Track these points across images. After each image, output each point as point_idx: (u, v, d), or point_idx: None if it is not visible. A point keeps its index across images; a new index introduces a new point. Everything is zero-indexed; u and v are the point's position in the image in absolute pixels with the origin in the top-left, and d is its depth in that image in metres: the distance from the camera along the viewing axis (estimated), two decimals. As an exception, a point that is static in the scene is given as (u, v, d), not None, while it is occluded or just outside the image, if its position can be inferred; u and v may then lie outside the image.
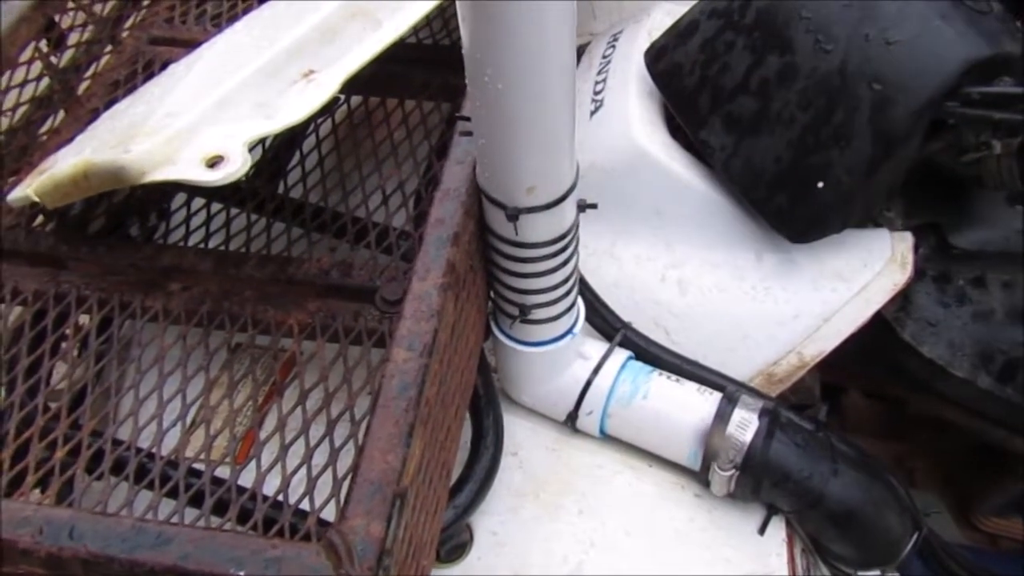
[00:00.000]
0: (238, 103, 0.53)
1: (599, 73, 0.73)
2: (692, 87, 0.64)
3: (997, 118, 0.55)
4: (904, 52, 0.56)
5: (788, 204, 0.61)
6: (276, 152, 0.73)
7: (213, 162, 0.47)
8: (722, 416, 0.57)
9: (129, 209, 0.67)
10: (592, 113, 0.70)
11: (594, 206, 0.53)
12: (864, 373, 0.78)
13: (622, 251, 0.68)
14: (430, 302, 0.44)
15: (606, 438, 0.62)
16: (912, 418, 0.92)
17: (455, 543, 0.54)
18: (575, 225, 0.51)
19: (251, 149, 0.50)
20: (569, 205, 0.49)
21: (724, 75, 0.62)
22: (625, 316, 0.65)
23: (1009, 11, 0.58)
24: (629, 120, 0.67)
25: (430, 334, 0.43)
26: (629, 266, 0.67)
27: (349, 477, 0.39)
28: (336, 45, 0.58)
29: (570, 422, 0.61)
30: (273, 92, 0.55)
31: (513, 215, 0.48)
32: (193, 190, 0.67)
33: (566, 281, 0.54)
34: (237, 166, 0.47)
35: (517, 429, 0.62)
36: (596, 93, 0.71)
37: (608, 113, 0.69)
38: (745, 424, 0.57)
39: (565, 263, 0.52)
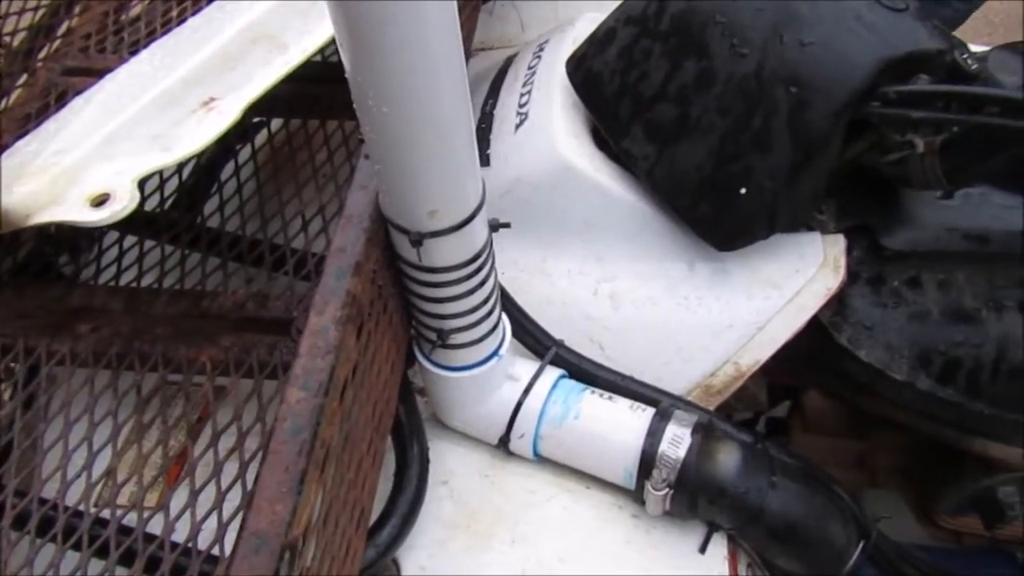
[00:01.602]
0: (132, 136, 0.51)
1: (524, 85, 0.71)
2: (612, 96, 0.62)
3: (915, 117, 0.54)
4: (819, 54, 0.55)
5: (712, 212, 0.59)
6: (195, 180, 0.71)
7: (99, 201, 0.45)
8: (654, 433, 0.56)
9: (41, 247, 0.64)
10: (517, 127, 0.68)
11: (507, 225, 0.51)
12: (811, 378, 0.76)
13: (553, 267, 0.66)
14: (327, 337, 0.42)
15: (541, 460, 0.60)
16: (873, 417, 0.91)
17: (382, 581, 0.52)
18: (487, 246, 0.50)
19: (144, 183, 0.48)
20: (477, 227, 0.48)
21: (643, 83, 0.61)
22: (558, 333, 0.64)
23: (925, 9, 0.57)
24: (553, 133, 0.65)
25: (326, 372, 0.41)
26: (561, 282, 0.66)
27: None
28: (238, 71, 0.56)
29: (503, 446, 0.59)
30: (170, 122, 0.53)
31: (417, 240, 0.46)
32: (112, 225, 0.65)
33: (484, 303, 0.52)
34: (124, 204, 0.45)
35: (448, 455, 0.60)
36: (521, 106, 0.70)
37: (533, 126, 0.67)
38: (678, 440, 0.55)
39: (480, 285, 0.51)
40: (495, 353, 0.57)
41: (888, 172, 0.60)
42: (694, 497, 0.55)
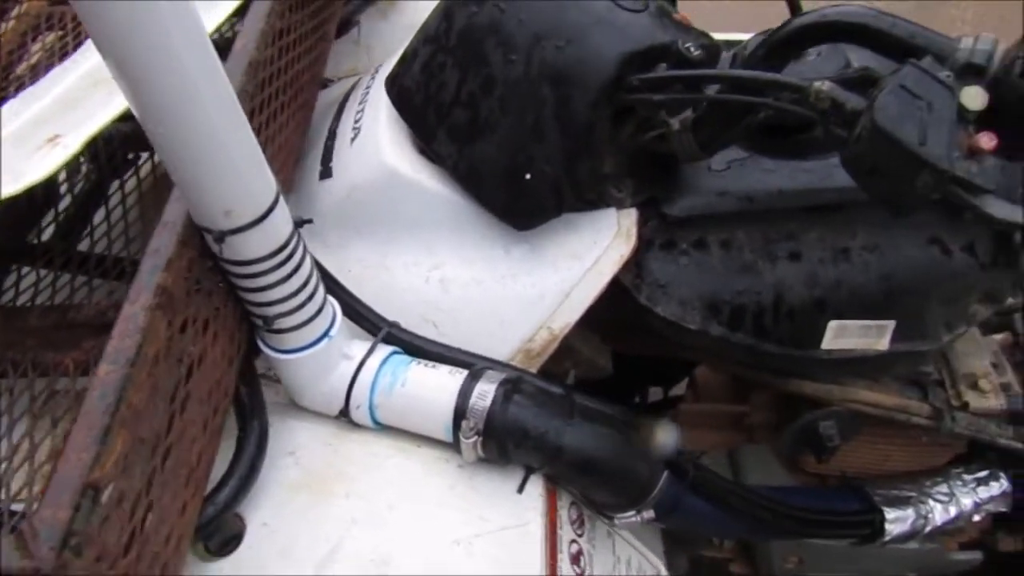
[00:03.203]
0: (-14, 172, 0.59)
1: (359, 104, 0.81)
2: (419, 106, 0.72)
3: (656, 99, 0.64)
4: (572, 53, 0.64)
5: (507, 198, 0.69)
6: (76, 210, 0.80)
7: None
8: (466, 390, 0.64)
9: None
10: (352, 140, 0.78)
11: (309, 221, 0.60)
12: (635, 340, 0.85)
13: (392, 261, 0.75)
14: (136, 322, 0.50)
15: (382, 428, 0.69)
16: (750, 382, 1.00)
17: (226, 536, 0.60)
18: (292, 239, 0.58)
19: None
20: (275, 223, 0.56)
21: (441, 92, 0.70)
22: (399, 317, 0.72)
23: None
24: (379, 143, 0.74)
25: (134, 349, 0.49)
26: (398, 273, 0.74)
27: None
28: (80, 111, 0.64)
29: (345, 417, 0.68)
30: (19, 158, 0.61)
31: (219, 238, 0.55)
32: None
33: (301, 290, 0.61)
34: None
35: (298, 430, 0.68)
36: (356, 122, 0.79)
37: (363, 138, 0.76)
38: (485, 394, 0.64)
39: (293, 273, 0.59)
40: (325, 335, 0.65)
41: (660, 149, 0.70)
42: (502, 442, 0.63)
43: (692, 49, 0.63)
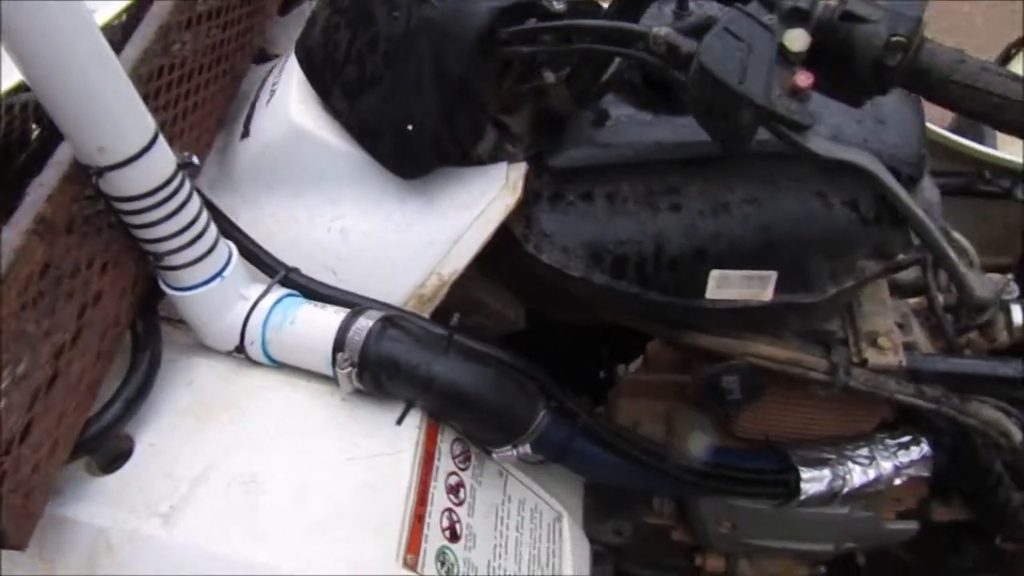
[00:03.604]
0: None
1: (280, 69, 0.86)
2: (319, 65, 0.76)
3: (524, 51, 0.67)
4: (447, 10, 0.68)
5: (393, 149, 0.73)
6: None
7: None
8: (346, 326, 0.69)
9: None
10: (268, 102, 0.82)
11: (192, 163, 0.65)
12: (531, 294, 0.88)
13: (299, 214, 0.79)
14: (12, 245, 0.56)
15: (278, 365, 0.73)
16: (692, 353, 1.02)
17: (113, 454, 0.65)
18: (173, 179, 0.63)
19: None
20: (153, 162, 0.61)
21: (336, 51, 0.74)
22: (303, 265, 0.77)
23: None
24: (288, 102, 0.79)
25: (6, 269, 0.54)
26: (304, 225, 0.79)
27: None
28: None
29: (241, 353, 0.72)
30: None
31: (97, 173, 0.60)
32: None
33: (188, 228, 0.65)
34: None
35: (200, 365, 0.73)
36: (274, 85, 0.84)
37: (276, 99, 0.81)
38: (362, 329, 0.68)
39: (175, 213, 0.64)
40: (219, 275, 0.70)
41: (540, 103, 0.73)
42: (376, 373, 0.67)
43: (555, 3, 0.66)
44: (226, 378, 0.72)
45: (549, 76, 0.70)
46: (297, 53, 0.80)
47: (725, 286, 0.77)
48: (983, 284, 0.66)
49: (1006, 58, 1.43)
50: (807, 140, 0.56)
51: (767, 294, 0.77)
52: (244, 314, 0.71)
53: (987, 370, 0.88)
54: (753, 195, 0.75)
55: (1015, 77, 0.58)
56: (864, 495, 1.03)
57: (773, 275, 0.76)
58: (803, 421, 1.00)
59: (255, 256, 0.75)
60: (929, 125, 1.05)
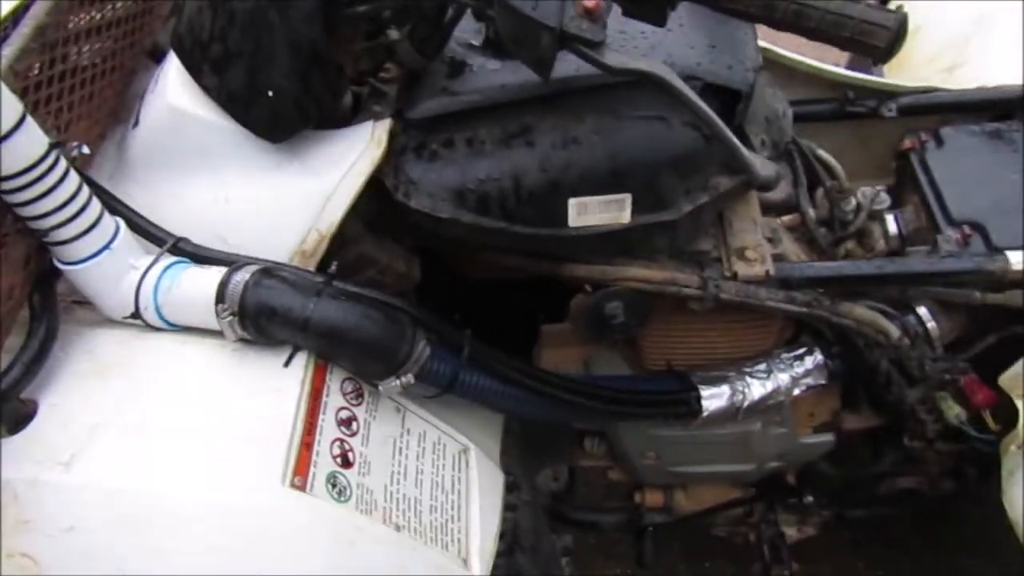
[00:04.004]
0: None
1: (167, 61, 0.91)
2: (189, 48, 0.82)
3: (363, 10, 0.73)
4: (290, -20, 0.74)
5: (258, 115, 0.78)
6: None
7: None
8: (226, 280, 0.74)
9: None
10: (152, 90, 0.88)
11: (60, 144, 0.70)
12: (416, 241, 0.94)
13: (189, 190, 0.84)
14: None
15: (175, 327, 0.79)
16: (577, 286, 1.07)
17: (18, 416, 0.70)
18: (44, 160, 0.68)
19: None
20: (19, 144, 0.66)
21: (201, 32, 0.80)
22: (194, 235, 0.82)
23: None
24: (167, 85, 0.84)
25: None
26: (194, 199, 0.84)
27: None
28: None
29: (139, 319, 0.78)
30: None
31: (-37, 154, 0.65)
32: None
33: (65, 206, 0.71)
34: None
35: (101, 335, 0.78)
36: (158, 75, 0.89)
37: (158, 86, 0.87)
38: (240, 281, 0.74)
39: (52, 189, 0.69)
40: (106, 247, 0.75)
41: (393, 60, 0.79)
42: (256, 320, 0.73)
43: (384, -36, 0.72)
44: (125, 343, 0.77)
45: (393, 33, 0.76)
46: (172, 42, 0.86)
47: (584, 213, 0.82)
48: (764, 165, 0.72)
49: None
50: (602, 55, 0.62)
51: (625, 216, 0.83)
52: (136, 282, 0.77)
53: (851, 271, 0.94)
54: (600, 126, 0.81)
55: None
56: (773, 410, 1.09)
57: (628, 197, 0.82)
58: (705, 346, 1.06)
59: (144, 230, 0.81)
60: (788, 52, 1.12)
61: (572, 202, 0.82)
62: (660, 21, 0.67)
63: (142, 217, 0.81)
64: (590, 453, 1.25)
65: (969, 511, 1.39)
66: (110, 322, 0.80)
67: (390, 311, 0.77)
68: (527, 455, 1.08)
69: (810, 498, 1.29)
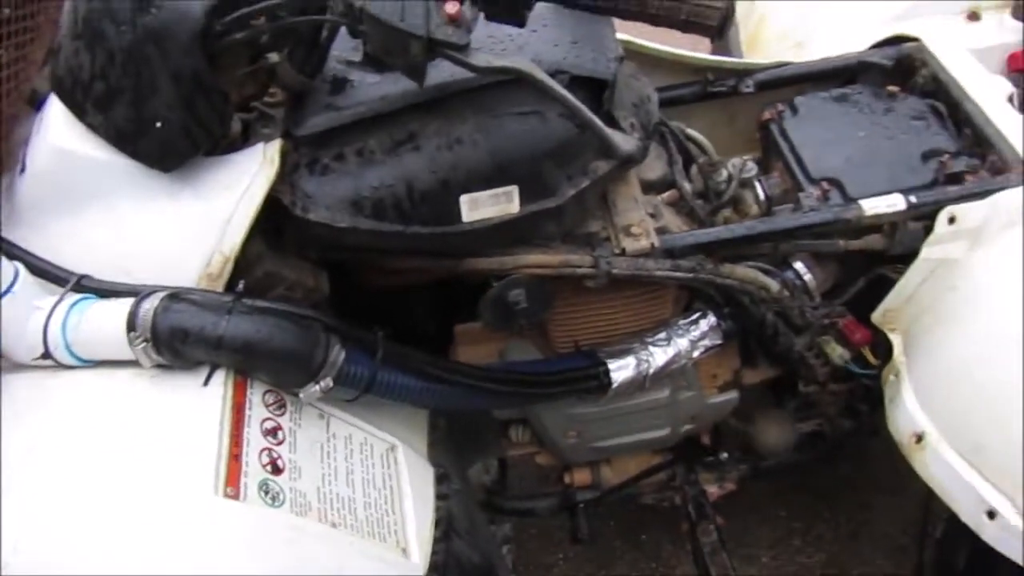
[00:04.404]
0: None
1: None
2: (70, 89, 0.83)
3: (240, 37, 0.76)
4: (164, 14, 0.76)
5: (148, 147, 0.80)
6: None
7: None
8: (135, 309, 0.76)
9: None
10: (35, 134, 0.89)
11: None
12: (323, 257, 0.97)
13: (84, 228, 0.85)
14: None
15: (88, 363, 0.79)
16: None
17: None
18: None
19: None
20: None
21: (81, 72, 0.81)
22: (97, 271, 0.83)
23: None
24: (48, 129, 0.85)
25: None
26: (91, 236, 0.85)
27: None
28: None
29: (50, 359, 0.79)
30: None
31: None
32: None
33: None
34: None
35: (12, 381, 0.78)
36: (41, 119, 0.90)
37: (41, 129, 0.87)
38: (150, 308, 0.76)
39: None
40: (7, 291, 0.76)
41: (277, 84, 0.82)
42: (169, 343, 0.75)
43: (247, -9, 0.76)
44: (38, 384, 0.78)
45: (272, 56, 0.79)
46: (52, 85, 0.87)
47: (476, 207, 0.88)
48: (626, 140, 0.79)
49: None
50: (469, 57, 0.68)
51: (514, 207, 0.89)
52: (43, 322, 0.77)
53: (726, 234, 1.02)
54: (481, 125, 0.86)
55: None
56: (678, 375, 1.16)
57: (515, 189, 0.88)
58: (607, 323, 1.13)
59: (45, 271, 0.81)
60: (651, 43, 1.20)
61: (463, 199, 0.87)
62: (520, 22, 0.73)
63: (41, 259, 0.82)
64: (516, 441, 1.29)
65: (871, 447, 1.50)
66: (21, 367, 0.81)
67: (302, 320, 0.81)
68: (456, 451, 1.12)
69: (725, 454, 1.38)
